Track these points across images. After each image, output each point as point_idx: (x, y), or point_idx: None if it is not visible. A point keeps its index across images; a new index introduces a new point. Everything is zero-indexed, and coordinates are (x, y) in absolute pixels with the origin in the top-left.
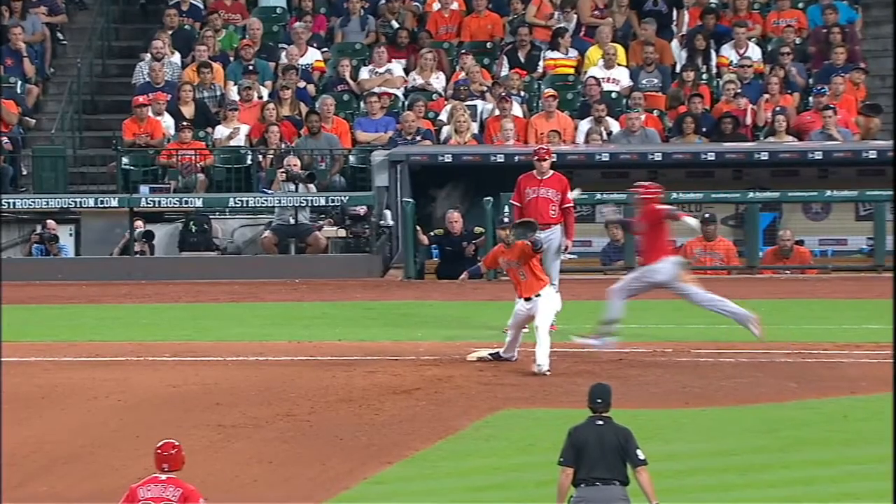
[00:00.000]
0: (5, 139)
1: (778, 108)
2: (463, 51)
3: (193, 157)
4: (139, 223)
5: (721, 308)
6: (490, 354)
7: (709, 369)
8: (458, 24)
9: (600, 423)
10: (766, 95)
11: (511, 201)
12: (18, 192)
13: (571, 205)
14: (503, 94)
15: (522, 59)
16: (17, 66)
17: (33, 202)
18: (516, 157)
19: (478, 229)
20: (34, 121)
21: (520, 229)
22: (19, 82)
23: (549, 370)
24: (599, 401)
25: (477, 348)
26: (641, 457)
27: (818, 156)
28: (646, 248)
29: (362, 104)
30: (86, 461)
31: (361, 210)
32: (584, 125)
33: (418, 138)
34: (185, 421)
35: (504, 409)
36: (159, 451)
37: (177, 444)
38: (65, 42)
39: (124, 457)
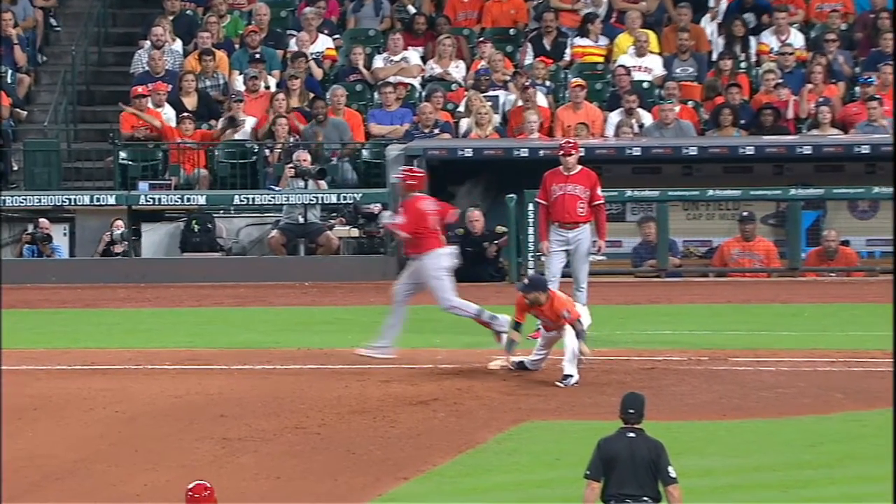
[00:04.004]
0: None
1: (822, 99)
2: (484, 38)
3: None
4: (119, 223)
5: (465, 314)
6: (515, 363)
7: (747, 378)
8: (478, 8)
9: (632, 435)
10: (809, 85)
11: (537, 199)
12: (9, 188)
13: (602, 202)
14: (527, 84)
15: (548, 47)
16: (8, 55)
17: (25, 200)
18: (541, 152)
19: (500, 229)
20: (25, 113)
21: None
22: (9, 71)
23: (577, 380)
24: (632, 411)
25: (499, 356)
26: (673, 474)
27: (865, 150)
28: (415, 241)
29: (376, 95)
30: (81, 477)
31: (375, 208)
32: (614, 117)
33: (436, 131)
34: (188, 434)
35: (528, 421)
36: (191, 492)
37: (209, 485)
38: (58, 28)
39: (122, 472)
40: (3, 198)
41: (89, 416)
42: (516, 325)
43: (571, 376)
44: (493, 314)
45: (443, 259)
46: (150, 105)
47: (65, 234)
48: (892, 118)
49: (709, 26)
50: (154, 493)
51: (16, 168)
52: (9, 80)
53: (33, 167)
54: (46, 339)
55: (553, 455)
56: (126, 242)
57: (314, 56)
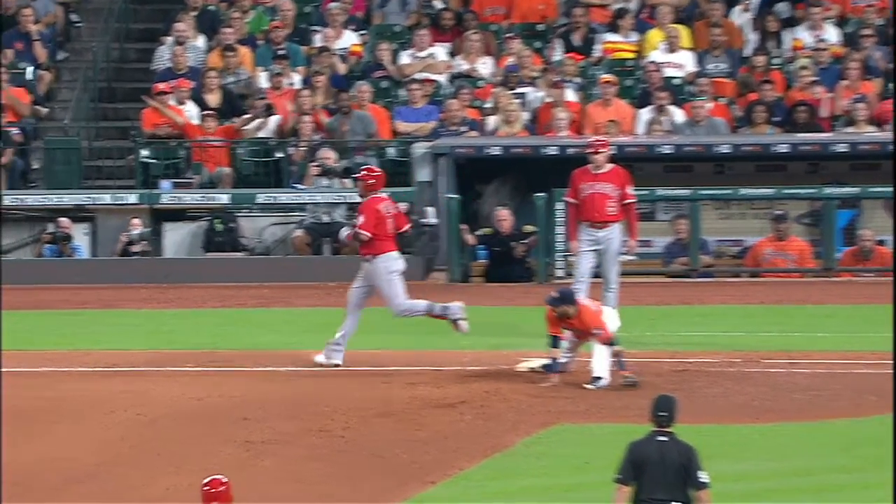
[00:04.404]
0: (15, 130)
1: (857, 96)
2: (512, 33)
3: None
4: (137, 222)
5: (417, 313)
6: (542, 365)
7: (781, 381)
8: (507, 4)
9: (663, 438)
10: (845, 82)
11: (566, 198)
12: (29, 187)
13: (633, 201)
14: (556, 80)
15: (577, 43)
16: (28, 51)
17: (45, 198)
18: (571, 150)
19: (528, 228)
20: (47, 110)
21: (562, 305)
22: (30, 68)
23: (607, 382)
24: (663, 414)
25: (527, 358)
26: (703, 479)
27: None
28: (369, 242)
29: (403, 92)
30: (102, 480)
31: (402, 207)
32: (645, 114)
33: (463, 129)
34: (210, 437)
35: (557, 424)
36: (207, 487)
37: (225, 480)
38: (79, 24)
39: (144, 476)
40: (23, 197)
41: (110, 419)
42: (554, 340)
43: (601, 378)
44: (444, 305)
45: (395, 262)
46: (172, 102)
47: (85, 234)
48: None
49: (741, 20)
50: (176, 497)
51: (36, 166)
52: (29, 77)
53: (54, 165)
54: (67, 340)
55: (582, 459)
56: (144, 242)
57: (339, 52)
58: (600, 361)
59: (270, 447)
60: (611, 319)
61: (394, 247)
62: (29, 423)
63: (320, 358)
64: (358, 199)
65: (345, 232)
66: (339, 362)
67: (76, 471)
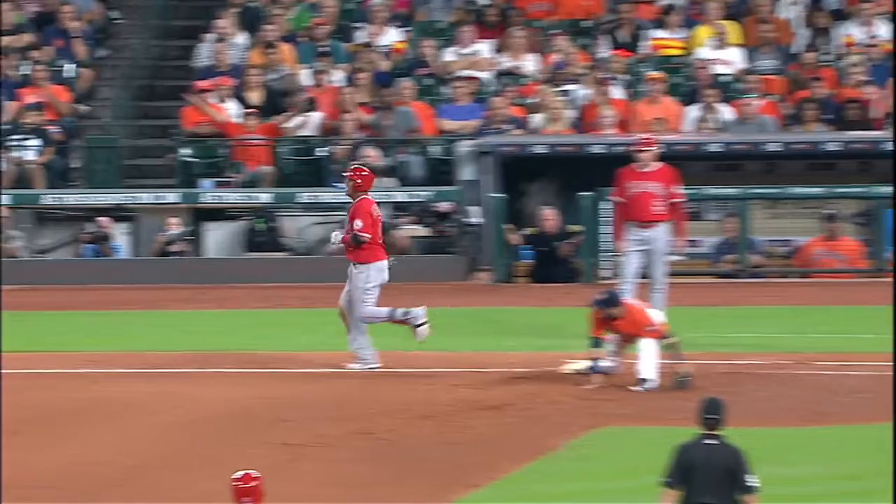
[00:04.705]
0: (55, 128)
1: None
2: (558, 30)
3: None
4: (174, 222)
5: (378, 320)
6: (588, 367)
7: (831, 383)
8: (552, 0)
9: (710, 441)
10: None
11: (612, 197)
12: (68, 186)
13: (680, 200)
14: (602, 77)
15: (624, 39)
16: (68, 48)
17: (85, 198)
18: (617, 148)
19: (574, 228)
20: (87, 108)
21: (609, 308)
22: (70, 66)
23: (655, 384)
24: (711, 416)
25: (573, 359)
26: (751, 483)
27: None
28: (361, 248)
29: (446, 89)
30: (138, 484)
31: (446, 207)
32: (693, 112)
33: (508, 127)
34: (249, 439)
35: (603, 426)
36: (238, 482)
37: (257, 474)
38: (120, 21)
39: (181, 478)
40: (63, 196)
41: (148, 421)
42: (596, 342)
43: (648, 380)
44: (405, 310)
45: (383, 273)
46: (213, 100)
47: (125, 234)
48: None
49: (792, 16)
50: (213, 500)
51: (77, 165)
52: (69, 75)
53: (94, 164)
54: (105, 341)
55: (628, 462)
56: (183, 242)
57: (382, 49)
58: (647, 363)
59: (311, 450)
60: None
61: (384, 254)
62: (66, 424)
63: (355, 366)
64: (348, 201)
65: (338, 236)
66: (377, 364)
67: (112, 474)
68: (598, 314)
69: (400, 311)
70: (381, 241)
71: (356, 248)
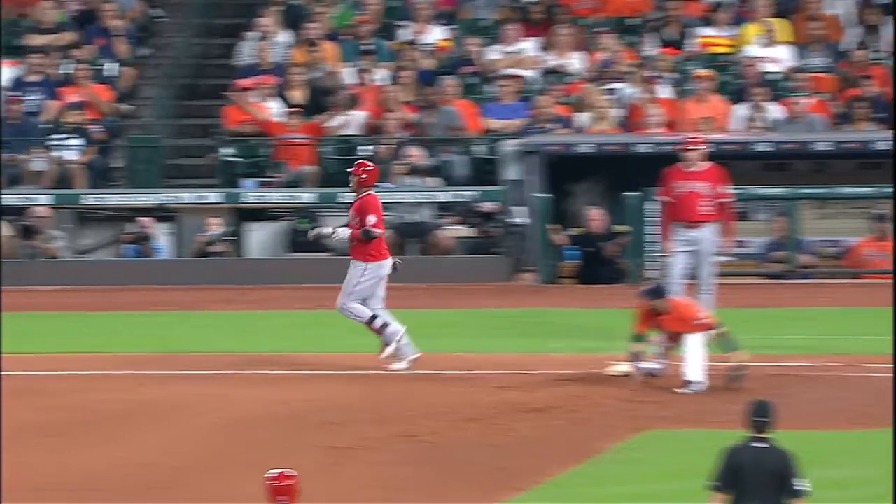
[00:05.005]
0: (97, 128)
1: None
2: (604, 27)
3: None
4: (215, 222)
5: (358, 319)
6: (634, 368)
7: (881, 386)
8: None
9: (759, 445)
10: None
11: (659, 197)
12: (110, 186)
13: (728, 200)
14: (649, 76)
15: (671, 37)
16: (110, 47)
17: (126, 197)
18: (664, 147)
19: (620, 228)
20: (130, 107)
21: (656, 298)
22: (112, 65)
23: (702, 386)
24: (759, 419)
25: (618, 362)
26: (801, 487)
27: None
28: (362, 246)
29: (491, 88)
30: (182, 486)
31: (490, 207)
32: (742, 110)
33: (553, 126)
34: (292, 442)
35: (649, 429)
36: (273, 480)
37: (293, 473)
38: (162, 19)
39: (226, 481)
40: (104, 196)
41: (192, 423)
42: (638, 338)
43: (695, 382)
44: (386, 324)
45: (383, 269)
46: (256, 99)
47: (167, 234)
48: None
49: (841, 13)
50: (257, 502)
51: (118, 165)
52: (110, 73)
53: (135, 164)
54: (146, 342)
55: (675, 465)
56: (223, 242)
57: (426, 47)
58: (693, 364)
59: (354, 452)
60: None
61: (388, 252)
62: (111, 426)
63: (399, 365)
64: (349, 198)
65: (345, 232)
66: (415, 354)
67: (156, 476)
68: (645, 307)
69: (380, 322)
70: (384, 239)
71: (364, 244)
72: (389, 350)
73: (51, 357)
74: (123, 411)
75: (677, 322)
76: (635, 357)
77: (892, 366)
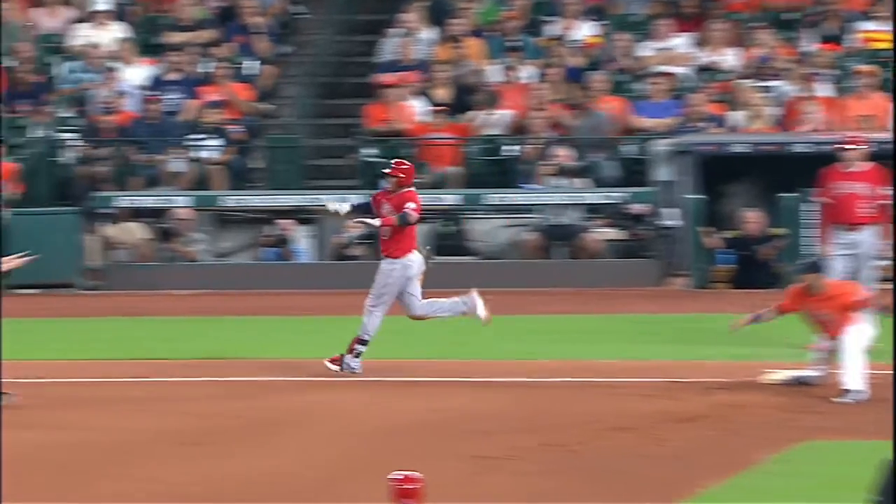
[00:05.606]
0: (236, 128)
1: None
2: (760, 23)
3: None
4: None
5: (444, 313)
6: (791, 377)
7: None
8: None
9: None
10: None
11: (817, 198)
12: (249, 187)
13: (890, 201)
14: (807, 73)
15: (830, 32)
16: (250, 45)
17: (266, 199)
18: (823, 147)
19: (776, 231)
20: (269, 106)
21: (811, 273)
22: (252, 63)
23: (862, 396)
24: None
25: (775, 369)
26: None
27: None
28: (395, 241)
29: (641, 85)
30: (322, 496)
31: (640, 208)
32: None
33: (706, 125)
34: (437, 450)
35: (807, 440)
36: (398, 483)
37: (418, 476)
38: (303, 16)
39: (365, 491)
40: (243, 197)
41: (337, 431)
42: (777, 314)
43: (854, 391)
44: (361, 351)
45: (413, 267)
46: (399, 97)
47: (307, 237)
48: None
49: None
50: None
51: (257, 166)
52: (250, 72)
53: (275, 165)
54: (289, 348)
55: (834, 478)
56: (361, 245)
57: (575, 44)
58: (852, 372)
59: (500, 462)
60: (865, 331)
61: (416, 246)
62: (249, 434)
63: (333, 367)
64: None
65: (376, 221)
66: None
67: (297, 486)
68: (798, 286)
69: (364, 349)
70: (413, 234)
71: (394, 238)
72: (337, 367)
73: (187, 363)
74: (263, 419)
75: (834, 305)
76: (757, 316)
77: (892, 373)
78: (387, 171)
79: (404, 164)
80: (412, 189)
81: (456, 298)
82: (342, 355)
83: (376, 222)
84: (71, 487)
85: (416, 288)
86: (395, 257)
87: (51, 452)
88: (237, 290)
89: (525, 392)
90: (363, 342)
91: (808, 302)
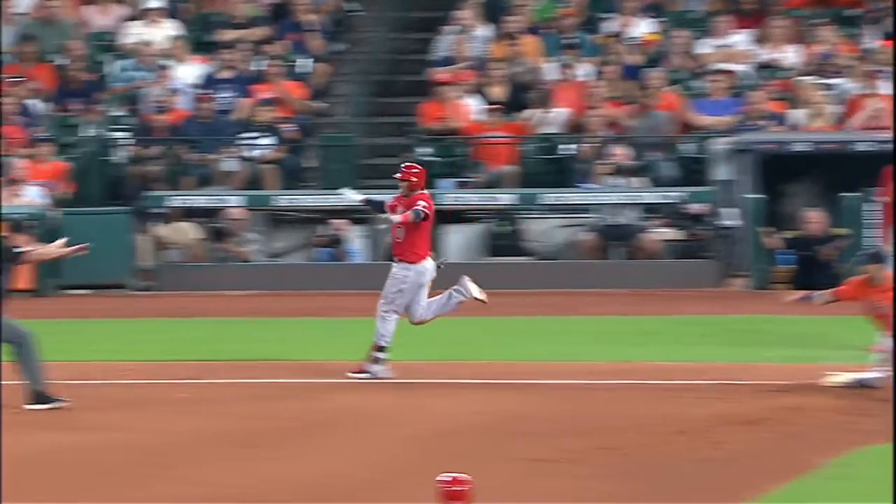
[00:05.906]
0: (289, 126)
1: None
2: (821, 19)
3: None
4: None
5: (444, 309)
6: (853, 380)
7: None
8: None
9: None
10: None
11: (880, 197)
12: (302, 187)
13: None
14: (870, 70)
15: (894, 29)
16: (303, 43)
17: (319, 199)
18: (885, 145)
19: (838, 231)
20: (322, 105)
21: (874, 263)
22: (306, 61)
23: None
24: None
25: (836, 372)
26: None
27: None
28: (409, 244)
29: (700, 83)
30: (374, 499)
31: (699, 208)
32: None
33: (767, 123)
34: (490, 453)
35: (867, 444)
36: (445, 485)
37: (466, 478)
38: (357, 13)
39: (418, 493)
40: (297, 197)
41: (389, 433)
42: (832, 298)
43: None
44: (381, 348)
45: (426, 275)
46: (454, 95)
47: (362, 237)
48: None
49: None
50: None
51: (310, 165)
52: (303, 69)
53: (329, 164)
54: (339, 350)
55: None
56: None
57: (632, 41)
58: None
59: (554, 465)
60: None
61: (430, 253)
62: (302, 436)
63: (360, 376)
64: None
65: (396, 218)
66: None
67: (348, 488)
68: (860, 275)
69: (385, 355)
70: (427, 239)
71: (409, 241)
72: (363, 376)
73: (240, 364)
74: (315, 421)
75: (891, 295)
76: (810, 294)
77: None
78: (397, 175)
79: (415, 168)
80: (424, 192)
81: (448, 291)
82: (362, 364)
83: (396, 218)
84: (122, 488)
85: (424, 296)
86: (410, 262)
87: (103, 454)
88: (290, 291)
89: (579, 394)
90: (381, 349)
91: (868, 292)
